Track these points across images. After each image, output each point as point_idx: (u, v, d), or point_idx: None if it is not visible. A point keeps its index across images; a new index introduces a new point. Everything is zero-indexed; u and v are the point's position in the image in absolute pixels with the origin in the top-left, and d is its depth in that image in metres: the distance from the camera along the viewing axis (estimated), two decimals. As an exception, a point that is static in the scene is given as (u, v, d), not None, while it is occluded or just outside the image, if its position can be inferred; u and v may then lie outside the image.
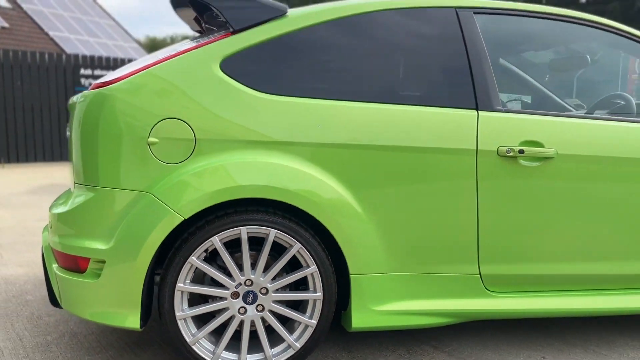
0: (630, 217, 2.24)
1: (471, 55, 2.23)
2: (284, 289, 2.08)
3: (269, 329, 2.09)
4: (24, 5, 21.11)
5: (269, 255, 2.06)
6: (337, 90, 2.13)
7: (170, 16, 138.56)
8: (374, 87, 2.17)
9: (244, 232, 1.98)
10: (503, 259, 2.19)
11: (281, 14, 2.19)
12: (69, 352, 2.29)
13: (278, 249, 2.07)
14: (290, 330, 2.09)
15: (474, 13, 2.31)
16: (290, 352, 2.07)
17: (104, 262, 1.98)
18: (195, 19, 2.57)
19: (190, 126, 2.00)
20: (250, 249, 2.04)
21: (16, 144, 11.67)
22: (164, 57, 2.10)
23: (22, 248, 3.96)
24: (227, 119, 2.02)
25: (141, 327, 2.00)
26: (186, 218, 1.94)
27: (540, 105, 3.25)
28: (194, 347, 2.01)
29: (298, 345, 2.07)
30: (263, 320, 2.06)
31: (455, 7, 2.30)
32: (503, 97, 3.31)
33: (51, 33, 20.69)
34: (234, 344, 2.08)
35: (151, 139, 1.98)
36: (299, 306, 2.13)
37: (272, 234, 1.99)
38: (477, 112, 2.17)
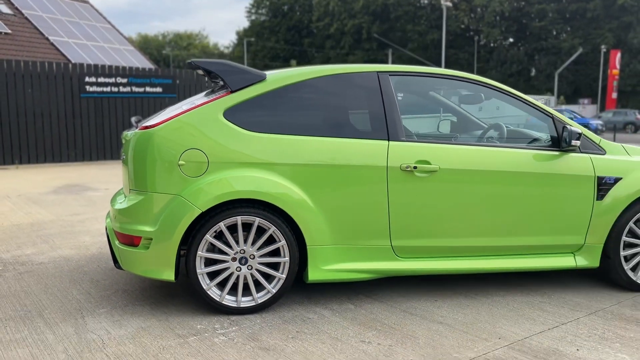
0: (491, 207, 3.45)
1: (386, 104, 3.43)
2: (264, 255, 3.27)
3: (256, 282, 3.28)
4: (25, 11, 22.07)
5: (255, 234, 3.24)
6: (299, 129, 3.32)
7: (159, 11, 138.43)
8: (324, 126, 3.36)
9: (239, 220, 3.17)
10: (406, 236, 3.40)
11: (262, 79, 3.37)
12: (123, 300, 3.47)
13: (261, 230, 3.26)
14: (269, 282, 3.28)
15: (389, 75, 3.51)
16: (269, 295, 3.27)
17: (151, 239, 3.16)
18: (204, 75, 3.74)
19: (205, 154, 3.18)
20: (243, 231, 3.22)
21: (27, 147, 12.74)
22: (188, 109, 3.28)
23: (68, 236, 5.13)
24: (228, 148, 3.20)
25: (175, 279, 3.19)
26: (203, 211, 3.12)
27: (462, 124, 4.44)
28: (208, 292, 3.20)
29: (274, 290, 3.27)
30: (252, 275, 3.25)
31: (377, 71, 3.50)
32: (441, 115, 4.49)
33: (51, 38, 21.67)
34: (233, 292, 3.27)
35: (181, 162, 3.16)
36: (274, 266, 3.32)
37: (257, 221, 3.19)
38: (388, 142, 3.36)
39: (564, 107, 40.76)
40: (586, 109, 45.66)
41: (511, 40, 63.41)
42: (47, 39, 21.66)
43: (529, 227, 3.53)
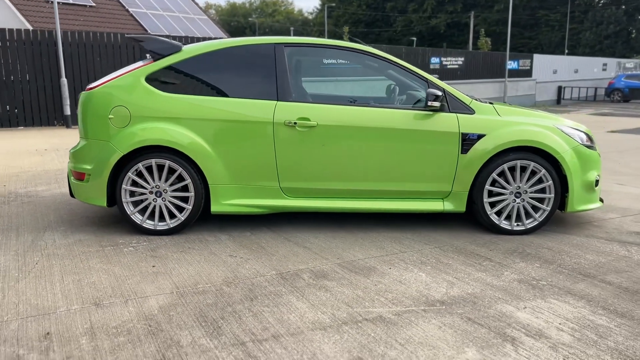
0: (366, 157, 4.11)
1: (277, 70, 4.15)
2: (175, 190, 4.16)
3: (170, 212, 4.19)
4: (108, -15, 24.05)
5: (168, 174, 4.14)
6: (206, 91, 4.14)
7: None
8: (226, 88, 4.16)
9: (153, 162, 4.08)
10: (291, 179, 4.15)
11: (178, 50, 4.21)
12: (81, 222, 4.53)
13: (172, 171, 4.14)
14: (180, 211, 4.19)
15: (284, 46, 4.22)
16: (179, 221, 4.18)
17: (90, 175, 4.15)
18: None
19: (128, 110, 4.09)
20: (158, 171, 4.13)
21: (96, 109, 14.40)
22: (121, 73, 4.20)
23: (77, 179, 6.33)
24: (146, 106, 4.10)
25: (108, 206, 4.18)
26: (125, 154, 4.06)
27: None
28: (132, 217, 4.16)
29: (183, 218, 4.17)
30: (166, 206, 4.17)
31: (274, 43, 4.22)
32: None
33: (131, 10, 23.53)
34: (152, 217, 4.21)
35: (110, 116, 4.10)
36: (184, 199, 4.20)
37: (167, 163, 4.08)
38: (277, 102, 4.10)
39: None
40: (686, 73, 41.93)
41: (610, -2, 58.81)
42: (127, 10, 23.56)
43: (401, 174, 4.16)
